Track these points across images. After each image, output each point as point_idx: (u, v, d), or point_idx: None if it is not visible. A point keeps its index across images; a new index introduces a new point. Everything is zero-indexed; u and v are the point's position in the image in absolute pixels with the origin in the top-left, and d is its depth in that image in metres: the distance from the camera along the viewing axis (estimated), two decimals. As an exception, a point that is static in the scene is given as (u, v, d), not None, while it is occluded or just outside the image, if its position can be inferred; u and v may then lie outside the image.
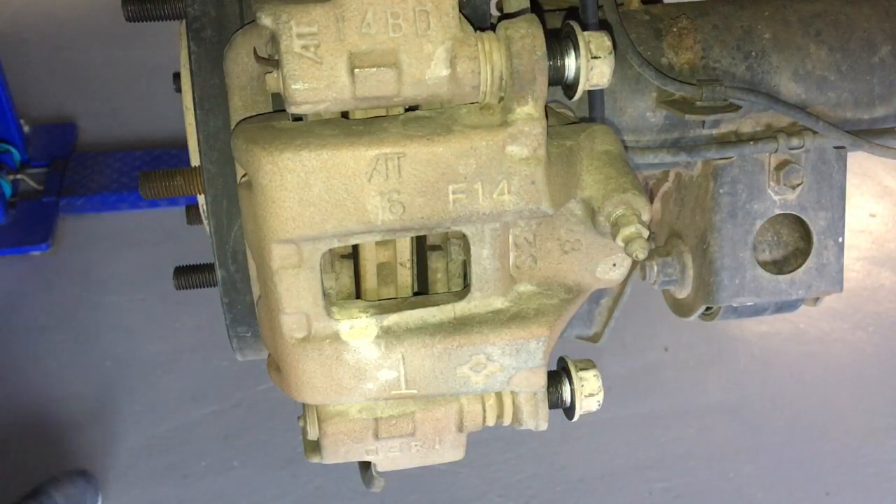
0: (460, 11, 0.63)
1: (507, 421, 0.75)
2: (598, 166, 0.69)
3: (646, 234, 0.65)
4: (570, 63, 0.65)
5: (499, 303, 0.71)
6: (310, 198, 0.62)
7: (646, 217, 0.67)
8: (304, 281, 0.66)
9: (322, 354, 0.69)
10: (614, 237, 0.66)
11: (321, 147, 0.62)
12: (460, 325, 0.70)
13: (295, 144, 0.62)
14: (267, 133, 0.63)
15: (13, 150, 2.97)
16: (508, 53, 0.62)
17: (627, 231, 0.65)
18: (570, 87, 0.66)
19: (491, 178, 0.64)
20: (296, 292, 0.66)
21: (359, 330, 0.69)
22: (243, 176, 0.67)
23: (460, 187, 0.64)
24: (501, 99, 0.64)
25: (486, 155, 0.64)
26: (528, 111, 0.63)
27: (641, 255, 0.64)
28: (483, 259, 0.69)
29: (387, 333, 0.69)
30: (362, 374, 0.70)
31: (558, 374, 0.77)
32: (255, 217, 0.64)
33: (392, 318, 0.70)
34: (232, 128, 0.70)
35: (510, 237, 0.70)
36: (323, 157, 0.62)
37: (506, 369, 0.72)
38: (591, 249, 0.73)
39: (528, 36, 0.62)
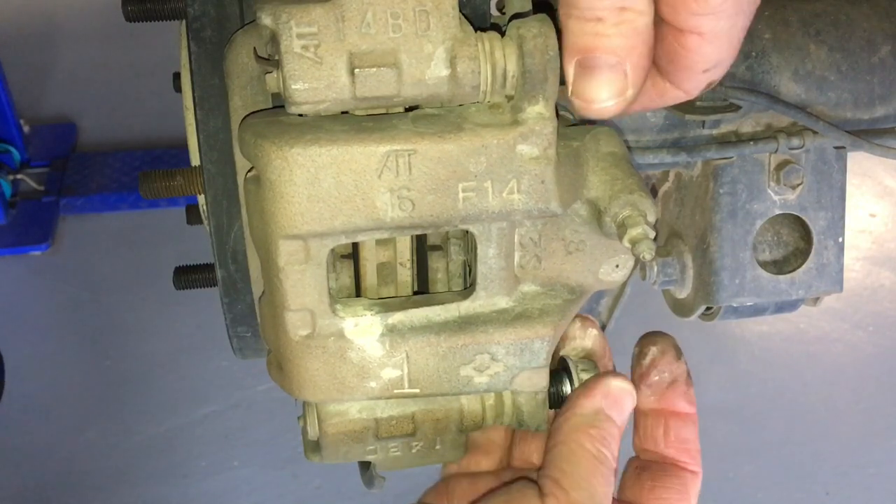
0: (460, 11, 0.63)
1: (507, 421, 0.75)
2: (603, 167, 0.69)
3: (652, 234, 0.65)
4: None
5: (503, 302, 0.71)
6: (319, 193, 0.62)
7: (651, 218, 0.67)
8: (311, 278, 0.66)
9: (326, 352, 0.69)
10: (621, 238, 0.66)
11: (331, 142, 0.62)
12: (465, 324, 0.70)
13: (305, 139, 0.62)
14: (276, 128, 0.63)
15: (13, 150, 2.97)
16: (520, 52, 0.61)
17: (634, 232, 0.65)
18: None
19: (501, 177, 0.64)
20: (301, 289, 0.66)
21: (363, 328, 0.69)
22: (249, 171, 0.67)
23: (470, 185, 0.64)
24: (510, 98, 0.64)
25: (496, 153, 0.63)
26: (539, 110, 0.63)
27: (648, 256, 0.64)
28: (489, 258, 0.69)
29: (391, 332, 0.69)
30: (366, 372, 0.70)
31: (559, 374, 0.77)
32: (262, 212, 0.64)
33: (397, 317, 0.69)
34: (232, 128, 0.70)
35: (516, 237, 0.70)
36: (333, 153, 0.62)
37: (509, 369, 0.71)
38: (595, 250, 0.73)
39: (540, 35, 0.61)
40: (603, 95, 0.60)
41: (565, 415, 0.72)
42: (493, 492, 0.73)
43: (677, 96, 0.64)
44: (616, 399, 0.72)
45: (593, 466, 0.69)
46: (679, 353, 0.78)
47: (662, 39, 0.60)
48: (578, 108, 0.62)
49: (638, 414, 0.77)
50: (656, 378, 0.76)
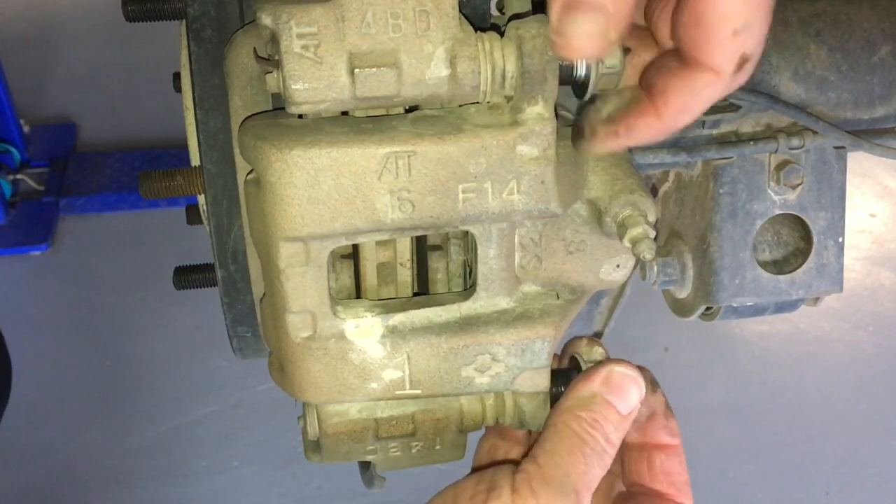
0: (460, 11, 0.63)
1: (508, 421, 0.75)
2: (603, 167, 0.69)
3: (653, 234, 0.65)
4: (581, 63, 0.65)
5: (504, 303, 0.71)
6: (319, 195, 0.62)
7: (651, 218, 0.67)
8: (311, 280, 0.66)
9: (327, 354, 0.69)
10: (621, 238, 0.66)
11: (331, 144, 0.62)
12: (466, 325, 0.70)
13: (305, 142, 0.62)
14: (276, 130, 0.63)
15: (13, 150, 2.97)
16: (519, 53, 0.61)
17: (635, 232, 0.65)
18: (580, 88, 0.66)
19: (501, 178, 0.64)
20: (302, 291, 0.66)
21: (364, 329, 0.69)
22: (249, 173, 0.67)
23: (470, 186, 0.64)
24: (509, 99, 0.64)
25: (496, 154, 0.64)
26: (539, 111, 0.63)
27: (649, 256, 0.64)
28: (490, 259, 0.69)
29: (392, 333, 0.69)
30: (367, 373, 0.70)
31: (568, 373, 0.77)
32: (263, 215, 0.64)
33: (398, 318, 0.69)
34: (232, 128, 0.70)
35: (516, 237, 0.70)
36: (333, 155, 0.62)
37: (511, 370, 0.71)
38: (595, 250, 0.73)
39: (539, 36, 0.61)
40: (581, 32, 0.58)
41: (562, 398, 0.72)
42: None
43: (707, 81, 0.60)
44: (617, 385, 0.71)
45: (575, 445, 0.68)
46: (655, 386, 0.77)
47: (685, 3, 0.58)
48: (558, 48, 0.60)
49: (622, 449, 0.75)
50: None
